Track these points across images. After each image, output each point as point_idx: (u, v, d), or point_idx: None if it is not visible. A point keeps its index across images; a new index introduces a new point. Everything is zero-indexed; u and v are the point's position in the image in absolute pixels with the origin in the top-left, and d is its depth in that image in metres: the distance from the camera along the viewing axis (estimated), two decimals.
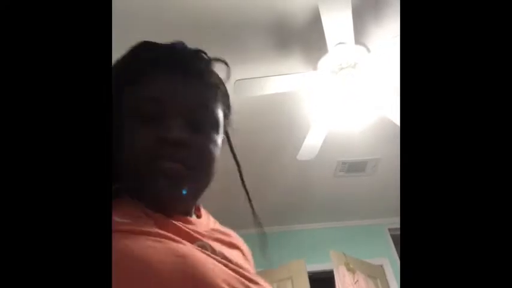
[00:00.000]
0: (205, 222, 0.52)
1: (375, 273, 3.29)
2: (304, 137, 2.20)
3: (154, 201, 0.44)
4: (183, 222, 0.44)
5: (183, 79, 0.49)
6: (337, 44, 1.61)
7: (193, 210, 0.52)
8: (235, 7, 1.70)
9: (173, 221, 0.42)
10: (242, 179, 0.59)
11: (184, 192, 0.45)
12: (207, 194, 0.51)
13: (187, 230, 0.42)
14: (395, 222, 3.61)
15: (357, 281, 2.92)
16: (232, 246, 0.51)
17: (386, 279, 3.34)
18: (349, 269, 2.93)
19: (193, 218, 0.51)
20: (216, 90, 0.53)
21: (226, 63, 0.54)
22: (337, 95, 1.88)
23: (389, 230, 3.74)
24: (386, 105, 1.96)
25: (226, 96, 0.56)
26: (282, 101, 2.24)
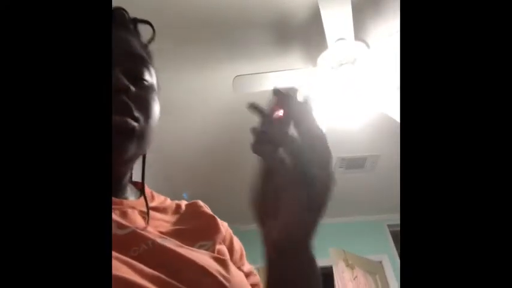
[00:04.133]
0: (140, 201, 0.48)
1: (374, 269, 3.30)
2: None
3: None
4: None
5: (118, 32, 0.47)
6: (336, 40, 1.61)
7: (128, 186, 0.50)
8: (234, 3, 1.69)
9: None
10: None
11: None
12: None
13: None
14: (395, 218, 3.62)
15: (356, 277, 2.94)
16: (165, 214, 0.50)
17: (385, 275, 3.36)
18: (348, 265, 2.94)
19: (130, 199, 0.48)
20: (147, 49, 0.52)
21: (149, 23, 0.54)
22: (336, 91, 1.87)
23: (389, 226, 3.75)
24: (385, 101, 1.96)
25: (151, 58, 0.54)
26: None
